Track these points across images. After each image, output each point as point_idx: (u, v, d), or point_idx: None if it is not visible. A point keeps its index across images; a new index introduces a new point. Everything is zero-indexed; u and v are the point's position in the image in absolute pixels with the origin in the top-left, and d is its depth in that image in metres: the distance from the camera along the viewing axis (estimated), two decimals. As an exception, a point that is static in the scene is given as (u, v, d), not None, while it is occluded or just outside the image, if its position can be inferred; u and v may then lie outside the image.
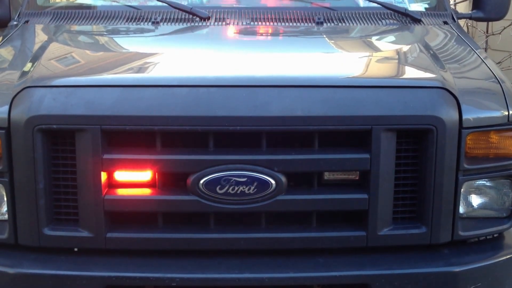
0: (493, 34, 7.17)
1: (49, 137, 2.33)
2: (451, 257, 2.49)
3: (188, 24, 3.19)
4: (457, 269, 2.43)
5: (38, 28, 3.23)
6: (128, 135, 2.33)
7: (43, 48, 2.82)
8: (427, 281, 2.40)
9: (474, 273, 2.46)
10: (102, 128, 2.28)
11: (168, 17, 3.22)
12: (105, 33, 3.25)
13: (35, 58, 2.67)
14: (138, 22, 3.20)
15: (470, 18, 3.67)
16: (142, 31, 3.19)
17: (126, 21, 3.21)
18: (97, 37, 3.30)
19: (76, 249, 2.45)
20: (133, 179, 2.39)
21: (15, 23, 3.31)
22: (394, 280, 2.39)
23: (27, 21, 3.28)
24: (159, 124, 2.29)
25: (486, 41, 7.26)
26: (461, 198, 2.48)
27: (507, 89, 2.59)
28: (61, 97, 2.33)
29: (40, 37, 3.16)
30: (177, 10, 3.22)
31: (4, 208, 2.43)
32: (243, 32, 3.22)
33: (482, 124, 2.45)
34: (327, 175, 2.41)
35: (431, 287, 2.40)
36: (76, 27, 3.22)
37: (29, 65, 2.61)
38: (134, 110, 2.29)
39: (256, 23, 3.22)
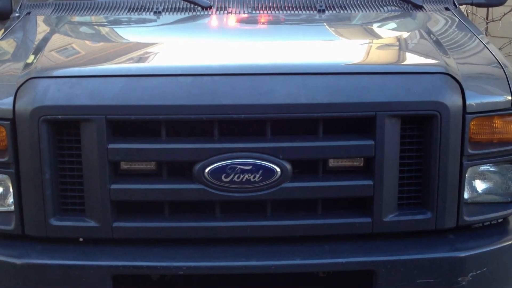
0: (493, 21, 7.16)
1: (55, 128, 2.33)
2: (457, 242, 2.50)
3: (190, 14, 3.18)
4: (462, 254, 2.44)
5: (40, 19, 3.22)
6: (133, 124, 2.34)
7: (46, 39, 2.81)
8: (433, 266, 2.41)
9: (480, 258, 2.47)
10: (107, 118, 2.28)
11: (169, 6, 3.21)
12: (107, 23, 3.24)
13: (38, 49, 2.67)
14: (140, 12, 3.19)
15: (472, 4, 3.66)
16: (144, 21, 3.18)
17: (128, 11, 3.20)
18: (99, 27, 3.30)
19: (81, 239, 2.45)
20: (139, 169, 2.40)
21: (16, 14, 3.30)
22: (400, 266, 2.40)
23: (28, 13, 3.28)
24: (164, 113, 2.29)
25: (486, 28, 7.25)
26: (466, 183, 2.49)
27: (510, 74, 2.58)
28: (66, 88, 2.33)
29: (43, 28, 3.15)
30: (179, 0, 3.22)
31: (11, 199, 2.43)
32: (245, 20, 3.21)
33: (486, 109, 2.45)
34: (332, 162, 2.42)
35: (436, 272, 2.41)
36: (78, 18, 3.21)
37: (32, 56, 2.61)
38: (138, 99, 2.29)
39: (258, 11, 3.22)
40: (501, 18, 6.96)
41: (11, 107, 2.33)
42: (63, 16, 3.21)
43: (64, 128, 2.34)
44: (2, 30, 3.15)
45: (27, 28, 3.17)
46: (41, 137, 2.31)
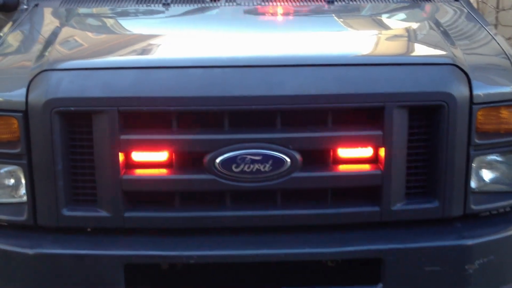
0: (503, 10, 7.13)
1: (67, 119, 2.36)
2: (464, 230, 2.52)
3: (199, 5, 3.20)
4: (469, 242, 2.46)
5: (49, 11, 3.23)
6: (145, 116, 2.36)
7: (56, 31, 2.83)
8: (440, 254, 2.44)
9: (487, 246, 2.49)
10: (119, 109, 2.31)
11: (178, -2, 3.23)
12: (116, 15, 3.25)
13: (49, 42, 2.69)
14: (149, 4, 3.21)
15: (480, -7, 3.66)
16: (153, 12, 3.20)
17: (136, 2, 3.22)
18: (109, 19, 3.30)
19: (89, 229, 2.48)
20: (150, 159, 2.42)
21: (25, 7, 3.30)
22: (408, 254, 2.43)
23: (36, 5, 3.28)
24: (175, 105, 2.31)
25: (496, 17, 7.22)
26: (473, 173, 2.51)
27: (517, 64, 2.60)
28: (78, 80, 2.36)
29: (52, 20, 3.17)
30: (188, -9, 3.24)
31: (23, 190, 2.46)
32: (254, 12, 3.23)
33: (493, 100, 2.46)
34: (341, 152, 2.44)
35: (444, 260, 2.44)
36: (87, 10, 3.23)
37: (44, 48, 2.62)
38: (150, 91, 2.32)
39: (267, 2, 3.24)
40: (511, 7, 6.93)
41: (23, 99, 2.36)
42: (72, 8, 3.22)
43: (76, 120, 2.37)
44: (10, 23, 3.16)
45: (36, 20, 3.18)
46: (53, 128, 2.33)
